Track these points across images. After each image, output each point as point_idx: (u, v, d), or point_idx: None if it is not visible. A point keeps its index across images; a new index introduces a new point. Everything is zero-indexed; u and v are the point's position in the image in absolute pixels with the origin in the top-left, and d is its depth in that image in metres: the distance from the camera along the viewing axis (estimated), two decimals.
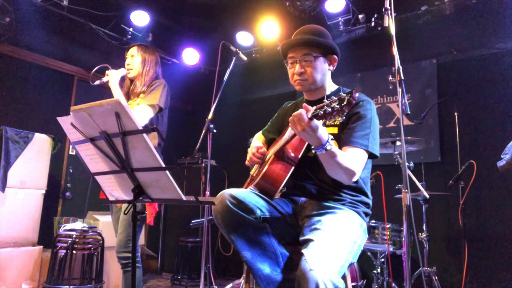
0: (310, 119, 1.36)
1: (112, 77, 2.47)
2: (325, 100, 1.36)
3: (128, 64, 2.55)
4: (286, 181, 1.64)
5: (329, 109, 1.33)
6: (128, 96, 2.57)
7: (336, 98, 1.33)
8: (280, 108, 2.11)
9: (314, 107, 1.37)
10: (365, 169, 1.70)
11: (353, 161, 1.56)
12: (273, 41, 4.67)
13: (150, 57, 2.56)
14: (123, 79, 2.58)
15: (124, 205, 2.34)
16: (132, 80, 2.57)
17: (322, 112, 1.34)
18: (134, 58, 2.55)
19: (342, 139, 1.66)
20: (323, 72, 1.78)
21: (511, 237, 3.36)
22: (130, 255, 2.28)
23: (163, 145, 2.50)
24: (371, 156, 1.67)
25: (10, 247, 3.32)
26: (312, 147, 1.47)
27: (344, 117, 1.35)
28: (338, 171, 1.54)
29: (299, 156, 1.66)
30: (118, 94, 2.45)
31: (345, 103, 1.30)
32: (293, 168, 1.65)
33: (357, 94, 1.31)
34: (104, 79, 2.51)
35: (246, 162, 1.90)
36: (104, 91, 2.51)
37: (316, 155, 1.52)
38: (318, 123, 1.38)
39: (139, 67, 2.52)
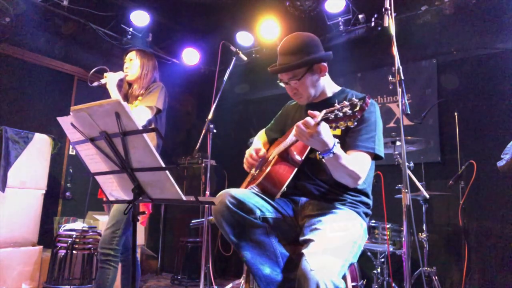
0: (318, 123, 1.36)
1: (110, 79, 2.51)
2: (336, 104, 1.35)
3: (126, 68, 2.60)
4: (288, 182, 1.64)
5: (341, 114, 1.32)
6: (126, 99, 2.60)
7: (348, 103, 1.31)
8: (283, 107, 2.11)
9: (324, 111, 1.36)
10: (369, 170, 1.70)
11: (358, 164, 1.56)
12: (273, 41, 4.67)
13: (148, 61, 2.62)
14: (121, 82, 2.61)
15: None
16: (130, 84, 2.62)
17: (333, 116, 1.33)
18: (133, 62, 2.60)
19: (347, 143, 1.65)
20: (315, 84, 1.77)
21: (511, 237, 3.36)
22: (111, 252, 2.26)
23: (161, 146, 2.51)
24: (376, 157, 1.67)
25: (10, 247, 3.32)
26: (318, 152, 1.47)
27: (356, 123, 1.33)
28: (343, 174, 1.54)
29: (303, 158, 1.66)
30: (116, 96, 2.48)
31: (357, 108, 1.29)
32: (296, 169, 1.65)
33: (370, 100, 1.31)
34: (102, 81, 2.55)
35: (245, 167, 1.90)
36: (104, 92, 2.52)
37: (318, 157, 1.51)
38: (325, 126, 1.38)
39: (137, 70, 2.57)
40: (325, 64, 1.78)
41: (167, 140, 5.29)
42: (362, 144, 1.61)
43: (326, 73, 1.81)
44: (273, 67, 1.80)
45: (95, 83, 2.58)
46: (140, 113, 2.36)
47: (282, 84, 1.83)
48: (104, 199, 2.53)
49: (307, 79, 1.74)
